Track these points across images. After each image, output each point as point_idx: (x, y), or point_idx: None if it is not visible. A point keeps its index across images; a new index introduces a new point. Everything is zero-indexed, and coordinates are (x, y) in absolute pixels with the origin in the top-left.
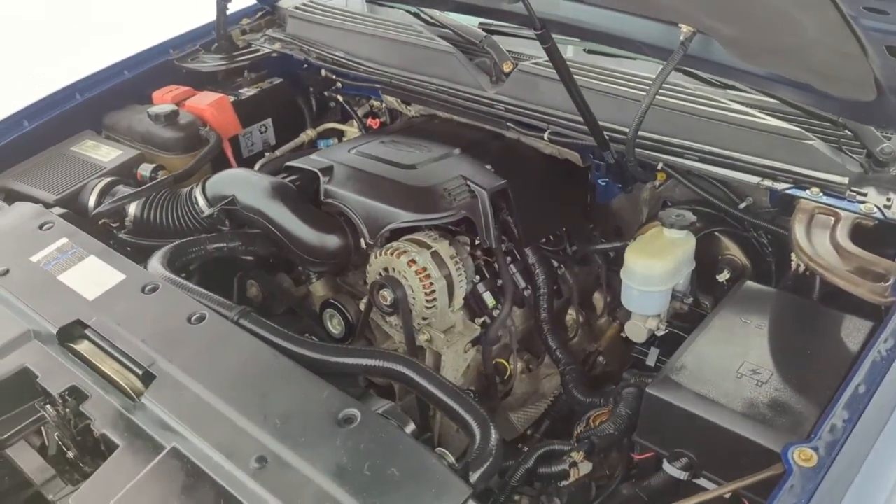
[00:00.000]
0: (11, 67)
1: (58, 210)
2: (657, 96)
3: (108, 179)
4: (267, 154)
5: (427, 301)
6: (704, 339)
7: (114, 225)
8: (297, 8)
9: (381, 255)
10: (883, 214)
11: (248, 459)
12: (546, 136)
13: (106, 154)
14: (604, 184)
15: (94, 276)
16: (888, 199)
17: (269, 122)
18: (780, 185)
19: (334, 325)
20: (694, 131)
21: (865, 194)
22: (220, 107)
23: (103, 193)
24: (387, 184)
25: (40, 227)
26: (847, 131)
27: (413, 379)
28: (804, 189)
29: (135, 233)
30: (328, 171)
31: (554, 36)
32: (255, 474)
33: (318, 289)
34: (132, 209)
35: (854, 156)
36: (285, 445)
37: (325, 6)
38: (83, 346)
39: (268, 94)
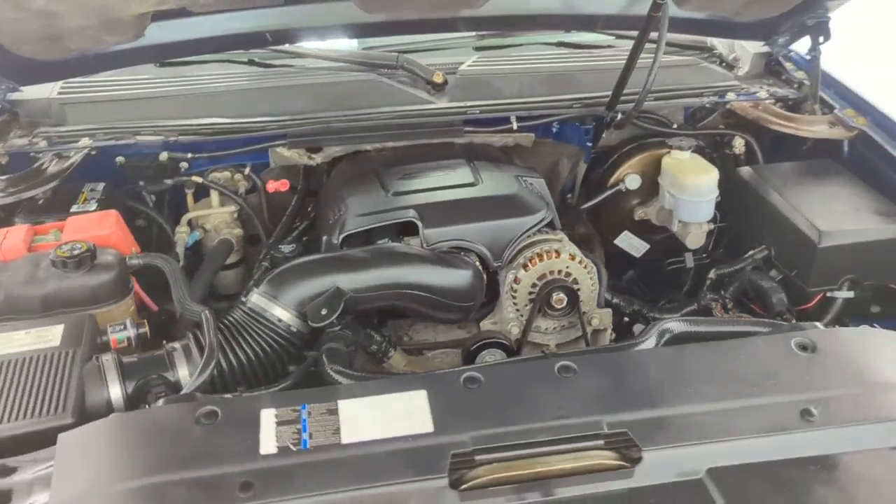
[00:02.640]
0: None
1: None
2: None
3: (106, 358)
4: None
5: (591, 285)
6: (797, 204)
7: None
8: (62, 93)
9: (531, 264)
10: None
11: None
12: (515, 124)
13: (39, 338)
14: (591, 146)
15: (373, 414)
16: (761, 87)
17: None
18: (715, 99)
19: None
20: (641, 81)
21: (748, 87)
22: (120, 226)
23: (129, 376)
24: (484, 203)
25: (198, 423)
26: (715, 52)
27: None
28: (723, 97)
29: (225, 390)
30: (418, 217)
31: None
32: None
33: (398, 360)
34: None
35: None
36: None
37: (107, 79)
38: (486, 471)
39: (109, 205)
